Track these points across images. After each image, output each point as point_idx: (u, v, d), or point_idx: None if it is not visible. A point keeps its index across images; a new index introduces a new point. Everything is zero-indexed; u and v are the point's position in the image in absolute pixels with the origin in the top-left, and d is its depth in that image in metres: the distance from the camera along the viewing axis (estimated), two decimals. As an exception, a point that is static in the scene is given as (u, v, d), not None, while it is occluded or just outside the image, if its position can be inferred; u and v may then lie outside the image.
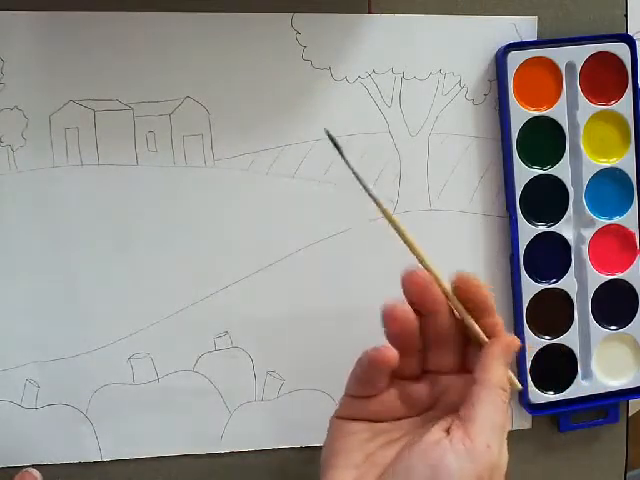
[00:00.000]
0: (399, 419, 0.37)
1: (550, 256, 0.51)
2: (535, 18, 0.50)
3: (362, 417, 0.37)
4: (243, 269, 0.49)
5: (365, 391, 0.37)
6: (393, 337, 0.36)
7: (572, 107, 0.50)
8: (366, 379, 0.37)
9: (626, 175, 0.51)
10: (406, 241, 0.37)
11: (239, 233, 0.49)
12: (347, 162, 0.36)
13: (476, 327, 0.37)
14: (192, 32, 0.47)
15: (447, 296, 0.38)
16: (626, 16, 0.52)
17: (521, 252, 0.50)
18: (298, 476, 0.51)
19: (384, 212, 0.37)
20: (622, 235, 0.52)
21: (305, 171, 0.49)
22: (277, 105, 0.48)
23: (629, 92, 0.50)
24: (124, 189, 0.47)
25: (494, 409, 0.34)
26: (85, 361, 0.48)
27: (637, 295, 0.52)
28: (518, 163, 0.50)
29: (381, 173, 0.50)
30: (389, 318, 0.36)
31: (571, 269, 0.51)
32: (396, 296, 0.51)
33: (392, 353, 0.36)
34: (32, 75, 0.46)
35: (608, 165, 0.51)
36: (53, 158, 0.47)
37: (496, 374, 0.35)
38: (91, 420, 0.48)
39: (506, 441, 0.35)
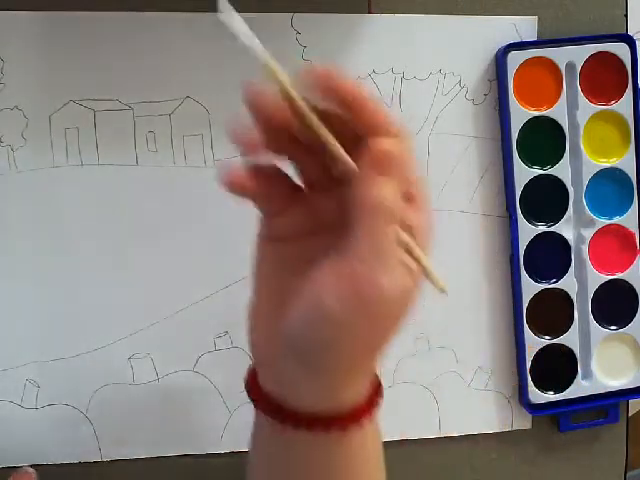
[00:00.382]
0: (311, 236, 0.32)
1: (550, 256, 0.51)
2: (535, 18, 0.50)
3: (272, 236, 0.33)
4: (243, 269, 0.49)
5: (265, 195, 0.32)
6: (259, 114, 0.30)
7: (572, 107, 0.50)
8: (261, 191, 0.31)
9: (626, 175, 0.51)
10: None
11: (239, 233, 0.49)
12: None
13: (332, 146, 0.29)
14: (192, 32, 0.47)
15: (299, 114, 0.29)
16: (626, 16, 0.52)
17: (521, 252, 0.50)
18: (298, 476, 0.51)
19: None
20: (622, 235, 0.52)
21: (305, 171, 0.49)
22: (277, 105, 0.48)
23: (629, 92, 0.50)
24: (124, 189, 0.47)
25: (371, 237, 0.28)
26: (85, 361, 0.48)
27: (637, 295, 0.52)
28: (518, 163, 0.50)
29: (381, 173, 0.50)
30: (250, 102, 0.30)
31: (571, 269, 0.51)
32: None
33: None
34: (32, 75, 0.46)
35: (608, 165, 0.51)
36: (53, 158, 0.47)
37: (369, 193, 0.28)
38: (91, 420, 0.48)
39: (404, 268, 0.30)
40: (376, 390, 0.32)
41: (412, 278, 0.30)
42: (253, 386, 0.32)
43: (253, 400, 0.32)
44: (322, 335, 0.28)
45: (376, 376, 0.33)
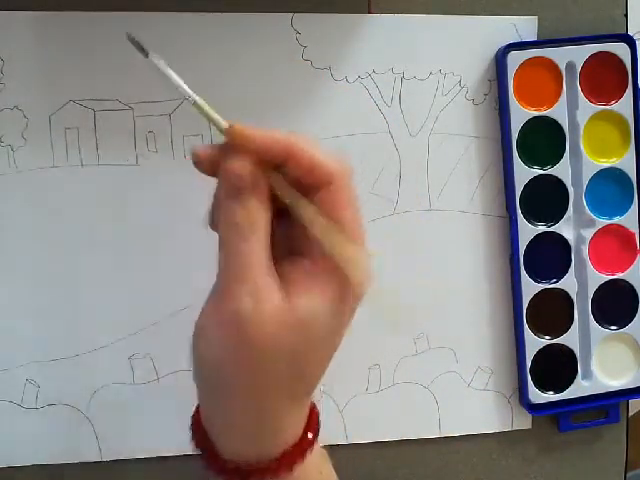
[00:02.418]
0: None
1: (550, 256, 0.51)
2: (535, 18, 0.50)
3: None
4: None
5: None
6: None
7: (572, 107, 0.50)
8: None
9: (626, 175, 0.51)
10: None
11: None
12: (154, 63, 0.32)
13: None
14: (192, 32, 0.47)
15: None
16: (626, 16, 0.52)
17: (521, 252, 0.50)
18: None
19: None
20: (622, 235, 0.52)
21: (305, 171, 0.49)
22: (277, 105, 0.48)
23: (629, 92, 0.50)
24: (124, 189, 0.47)
25: (223, 253, 0.28)
26: (85, 361, 0.48)
27: (637, 295, 0.52)
28: (518, 163, 0.50)
29: (381, 173, 0.50)
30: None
31: (571, 269, 0.51)
32: (395, 295, 0.51)
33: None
34: (32, 75, 0.46)
35: (608, 165, 0.51)
36: (53, 158, 0.47)
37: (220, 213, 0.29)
38: (91, 420, 0.48)
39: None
40: (310, 430, 0.30)
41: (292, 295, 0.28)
42: (194, 421, 0.32)
43: (192, 431, 0.31)
44: (201, 375, 0.29)
45: (311, 414, 0.31)
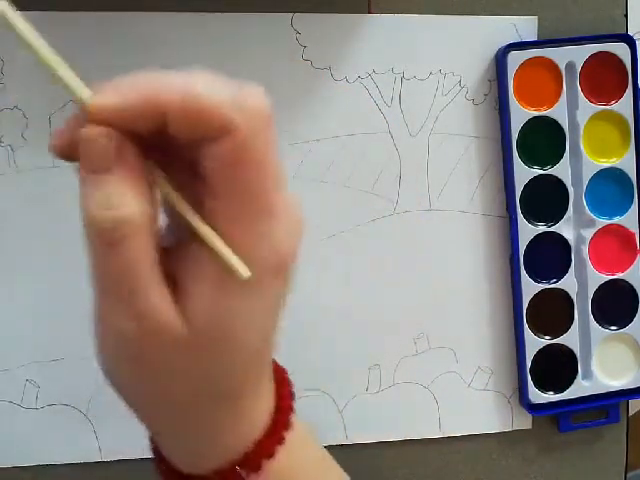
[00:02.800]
0: None
1: (550, 256, 0.51)
2: (535, 18, 0.50)
3: None
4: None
5: None
6: None
7: (572, 107, 0.50)
8: None
9: (626, 175, 0.51)
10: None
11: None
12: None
13: None
14: (192, 32, 0.47)
15: None
16: (626, 16, 0.52)
17: (521, 252, 0.50)
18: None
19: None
20: (622, 235, 0.52)
21: (305, 171, 0.49)
22: (277, 105, 0.48)
23: (629, 92, 0.50)
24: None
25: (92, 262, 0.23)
26: (85, 361, 0.48)
27: (637, 295, 0.52)
28: (518, 163, 0.50)
29: (381, 173, 0.50)
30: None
31: (571, 269, 0.51)
32: (395, 296, 0.51)
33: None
34: (32, 75, 0.46)
35: (608, 165, 0.51)
36: (53, 158, 0.46)
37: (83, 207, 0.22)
38: (91, 420, 0.48)
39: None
40: (277, 426, 0.27)
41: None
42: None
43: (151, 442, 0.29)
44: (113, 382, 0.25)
45: (279, 407, 0.28)
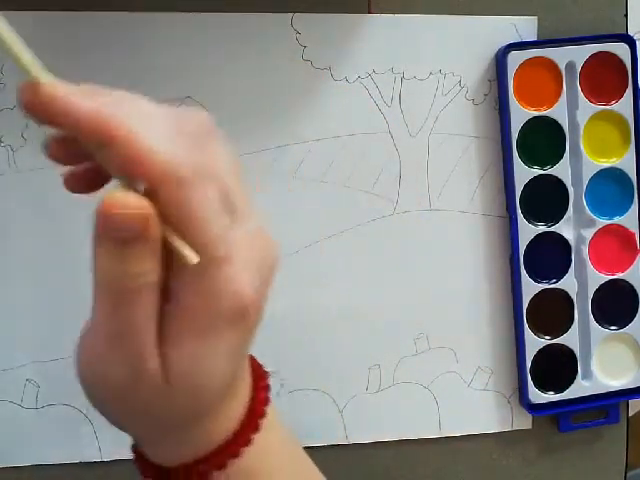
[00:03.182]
0: None
1: (550, 256, 0.51)
2: (535, 18, 0.50)
3: None
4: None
5: None
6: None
7: (572, 107, 0.50)
8: None
9: (626, 175, 0.51)
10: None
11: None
12: None
13: None
14: (192, 32, 0.47)
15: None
16: (626, 16, 0.52)
17: (521, 252, 0.50)
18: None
19: None
20: (622, 235, 0.52)
21: (305, 171, 0.49)
22: (277, 105, 0.48)
23: (629, 92, 0.50)
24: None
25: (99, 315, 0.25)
26: (85, 361, 0.48)
27: (637, 295, 0.52)
28: (518, 163, 0.50)
29: (381, 173, 0.50)
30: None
31: (571, 269, 0.51)
32: (395, 296, 0.51)
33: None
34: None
35: (608, 165, 0.51)
36: (53, 158, 0.46)
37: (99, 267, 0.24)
38: (91, 420, 0.48)
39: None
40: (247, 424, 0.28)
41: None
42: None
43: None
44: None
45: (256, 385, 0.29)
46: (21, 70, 0.22)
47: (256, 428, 0.28)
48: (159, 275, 0.23)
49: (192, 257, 0.22)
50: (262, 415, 0.28)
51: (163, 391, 0.24)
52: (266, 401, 0.29)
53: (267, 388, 0.30)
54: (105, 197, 0.23)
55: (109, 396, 0.25)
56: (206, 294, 0.23)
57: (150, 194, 0.22)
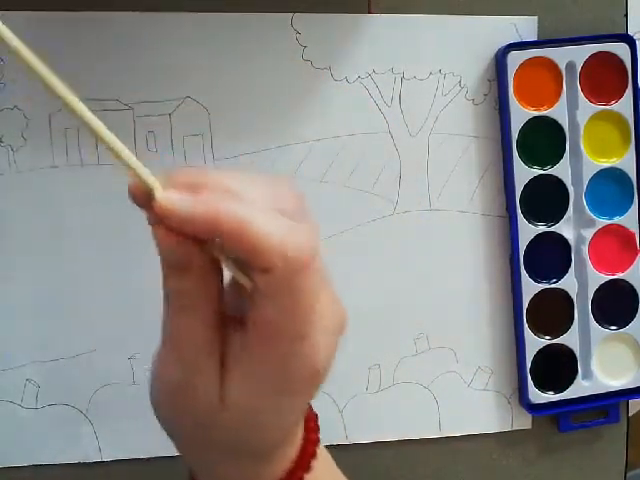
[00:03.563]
0: None
1: (550, 256, 0.51)
2: (535, 18, 0.50)
3: None
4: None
5: None
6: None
7: (572, 107, 0.50)
8: None
9: (626, 175, 0.51)
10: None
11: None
12: None
13: None
14: (192, 32, 0.47)
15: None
16: (626, 16, 0.52)
17: (521, 252, 0.50)
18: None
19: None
20: (622, 235, 0.52)
21: (305, 171, 0.49)
22: (277, 105, 0.48)
23: (629, 92, 0.50)
24: (124, 189, 0.47)
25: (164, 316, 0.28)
26: (85, 361, 0.48)
27: (637, 295, 0.52)
28: (518, 163, 0.50)
29: (381, 173, 0.50)
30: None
31: (571, 269, 0.51)
32: (395, 296, 0.51)
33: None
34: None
35: (608, 165, 0.51)
36: (53, 158, 0.47)
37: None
38: (91, 420, 0.48)
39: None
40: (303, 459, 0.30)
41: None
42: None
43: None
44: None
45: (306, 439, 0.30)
46: (133, 176, 0.25)
47: (308, 468, 0.29)
48: (212, 299, 0.26)
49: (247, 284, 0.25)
50: (314, 455, 0.30)
51: (217, 408, 0.25)
52: (317, 442, 0.30)
53: (317, 429, 0.31)
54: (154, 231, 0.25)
55: (165, 392, 0.26)
56: (284, 363, 0.25)
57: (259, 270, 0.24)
